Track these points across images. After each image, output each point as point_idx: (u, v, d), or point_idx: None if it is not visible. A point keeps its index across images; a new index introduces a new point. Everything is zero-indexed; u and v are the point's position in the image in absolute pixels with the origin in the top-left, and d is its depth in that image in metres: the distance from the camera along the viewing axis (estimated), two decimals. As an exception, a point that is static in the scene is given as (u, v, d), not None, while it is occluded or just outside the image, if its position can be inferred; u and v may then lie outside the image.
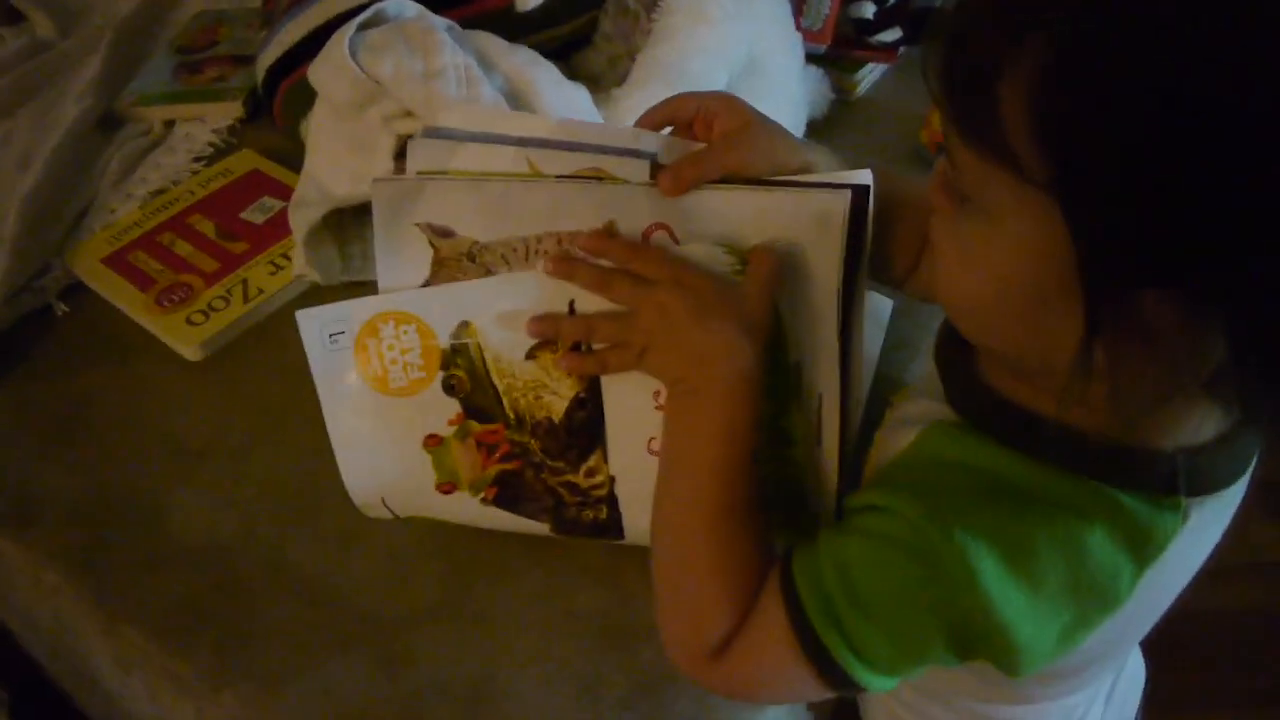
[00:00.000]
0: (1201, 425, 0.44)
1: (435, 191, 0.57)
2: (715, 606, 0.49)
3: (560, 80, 0.83)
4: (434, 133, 0.60)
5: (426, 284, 0.58)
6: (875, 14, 0.97)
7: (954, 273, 0.45)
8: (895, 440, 0.52)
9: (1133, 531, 0.43)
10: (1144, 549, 0.43)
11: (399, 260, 0.58)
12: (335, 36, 0.80)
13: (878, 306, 0.72)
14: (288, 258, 0.83)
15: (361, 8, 0.86)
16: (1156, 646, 0.72)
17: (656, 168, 0.55)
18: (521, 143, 0.56)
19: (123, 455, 0.72)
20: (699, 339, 0.50)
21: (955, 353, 0.50)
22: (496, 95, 0.78)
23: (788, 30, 0.85)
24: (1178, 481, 0.43)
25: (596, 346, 0.55)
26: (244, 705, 0.60)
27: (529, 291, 0.56)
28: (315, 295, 0.82)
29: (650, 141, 0.56)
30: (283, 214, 0.86)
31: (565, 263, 0.54)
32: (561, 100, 0.81)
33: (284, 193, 0.88)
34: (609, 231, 0.54)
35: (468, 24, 0.87)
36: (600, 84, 0.87)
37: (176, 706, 0.63)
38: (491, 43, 0.83)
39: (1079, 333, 0.38)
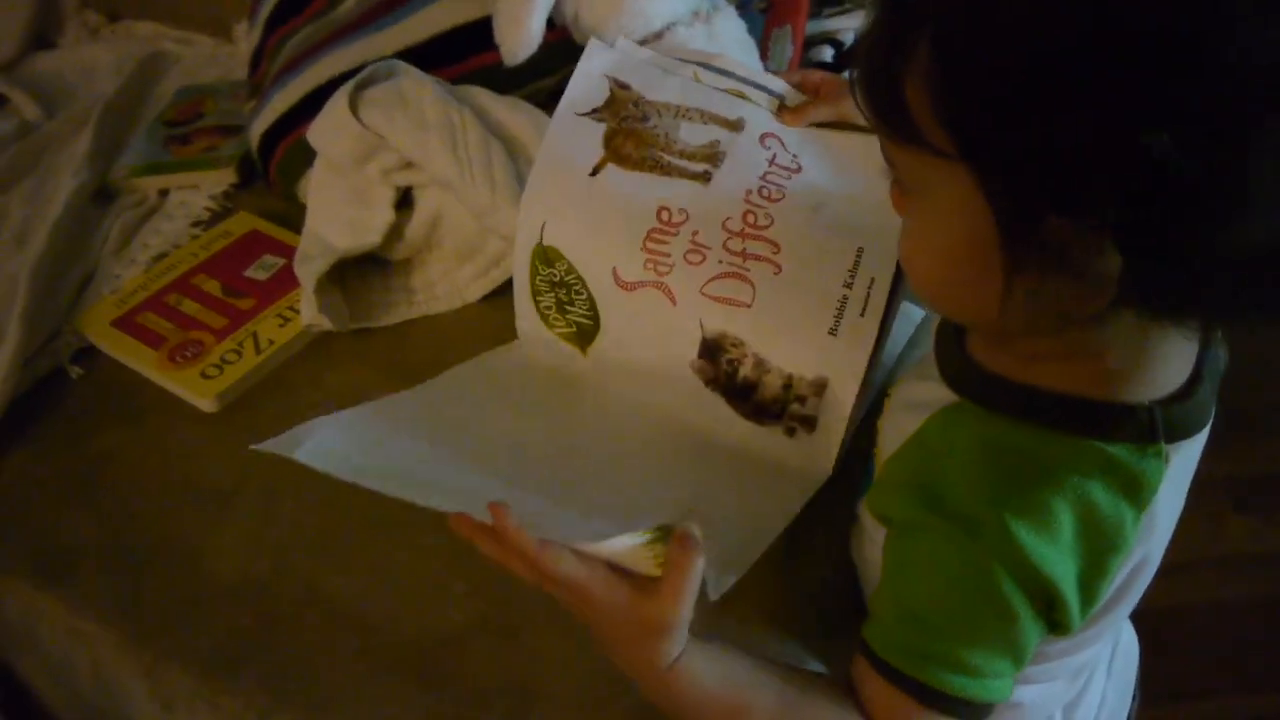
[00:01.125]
0: (1167, 379, 0.50)
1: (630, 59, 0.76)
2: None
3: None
4: (613, 46, 0.77)
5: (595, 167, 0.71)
6: (834, 56, 1.04)
7: (911, 256, 0.51)
8: (900, 426, 0.56)
9: (1127, 479, 0.48)
10: (1139, 494, 0.48)
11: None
12: (336, 96, 0.85)
13: (909, 310, 0.78)
14: (295, 310, 0.86)
15: (349, 73, 0.92)
16: (1141, 642, 0.76)
17: (781, 107, 0.74)
18: (699, 64, 0.75)
19: (149, 505, 0.74)
20: (613, 656, 0.53)
21: (947, 334, 0.55)
22: (492, 139, 0.83)
23: (756, 72, 0.92)
24: (1158, 430, 0.48)
25: None
26: (293, 732, 0.61)
27: None
28: (324, 343, 0.85)
29: (780, 85, 0.75)
30: (285, 270, 0.90)
31: (473, 530, 0.52)
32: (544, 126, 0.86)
33: (284, 250, 0.92)
34: (505, 532, 0.50)
35: (460, 80, 0.92)
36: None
37: (222, 741, 0.65)
38: (483, 95, 0.89)
39: (1003, 274, 0.44)
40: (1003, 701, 0.51)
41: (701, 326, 0.67)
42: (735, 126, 0.73)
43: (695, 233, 0.68)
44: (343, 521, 0.71)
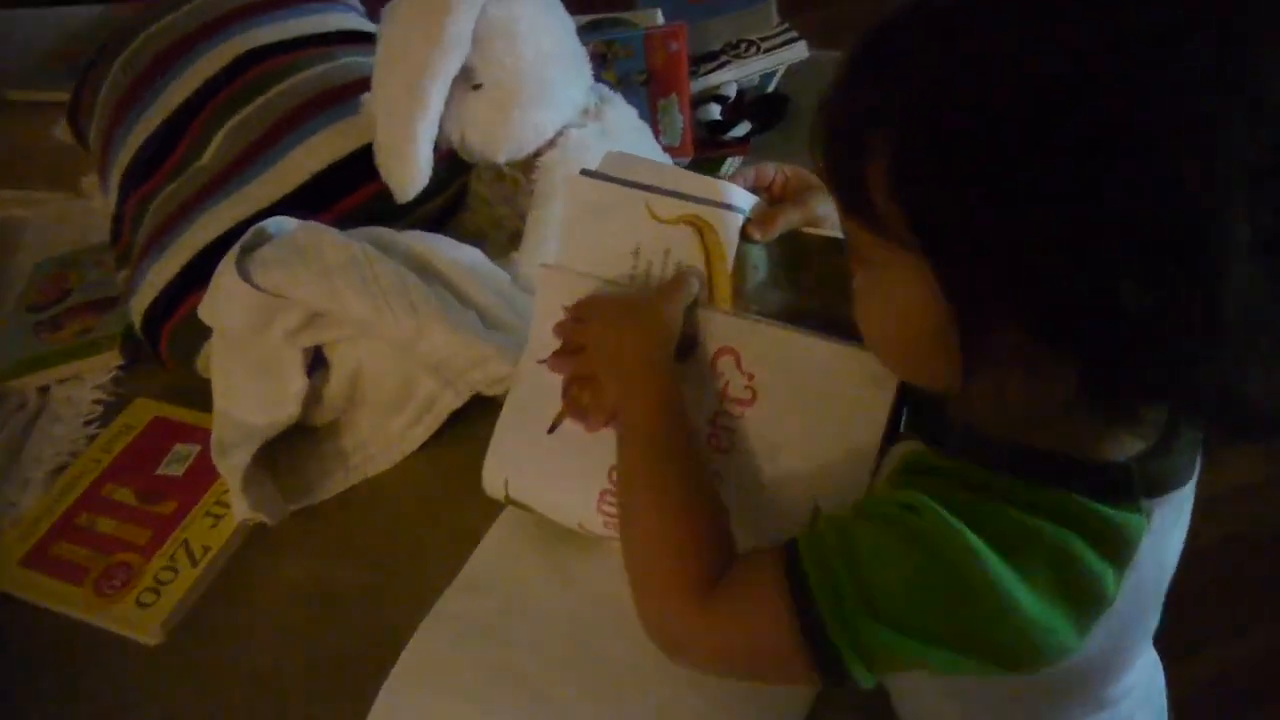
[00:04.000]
0: (1142, 436, 0.48)
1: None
2: (695, 541, 0.54)
3: (455, 244, 0.83)
4: (587, 173, 0.67)
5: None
6: (722, 112, 1.02)
7: (869, 323, 0.51)
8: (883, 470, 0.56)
9: (1106, 534, 0.47)
10: (1120, 550, 0.47)
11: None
12: (222, 265, 0.78)
13: None
14: (224, 504, 0.80)
15: (227, 234, 0.85)
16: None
17: (747, 223, 0.64)
18: (651, 189, 0.65)
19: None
20: (617, 338, 0.61)
21: (921, 393, 0.55)
22: (400, 268, 0.78)
23: (656, 155, 0.88)
24: (1134, 486, 0.47)
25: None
26: None
27: None
28: (265, 533, 0.79)
29: (744, 200, 0.65)
30: (202, 458, 0.83)
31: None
32: (465, 257, 0.81)
33: (195, 435, 0.85)
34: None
35: (349, 215, 0.87)
36: (489, 242, 0.87)
37: None
38: (378, 231, 0.83)
39: (962, 368, 0.44)
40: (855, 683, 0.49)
41: None
42: (690, 341, 0.65)
43: None
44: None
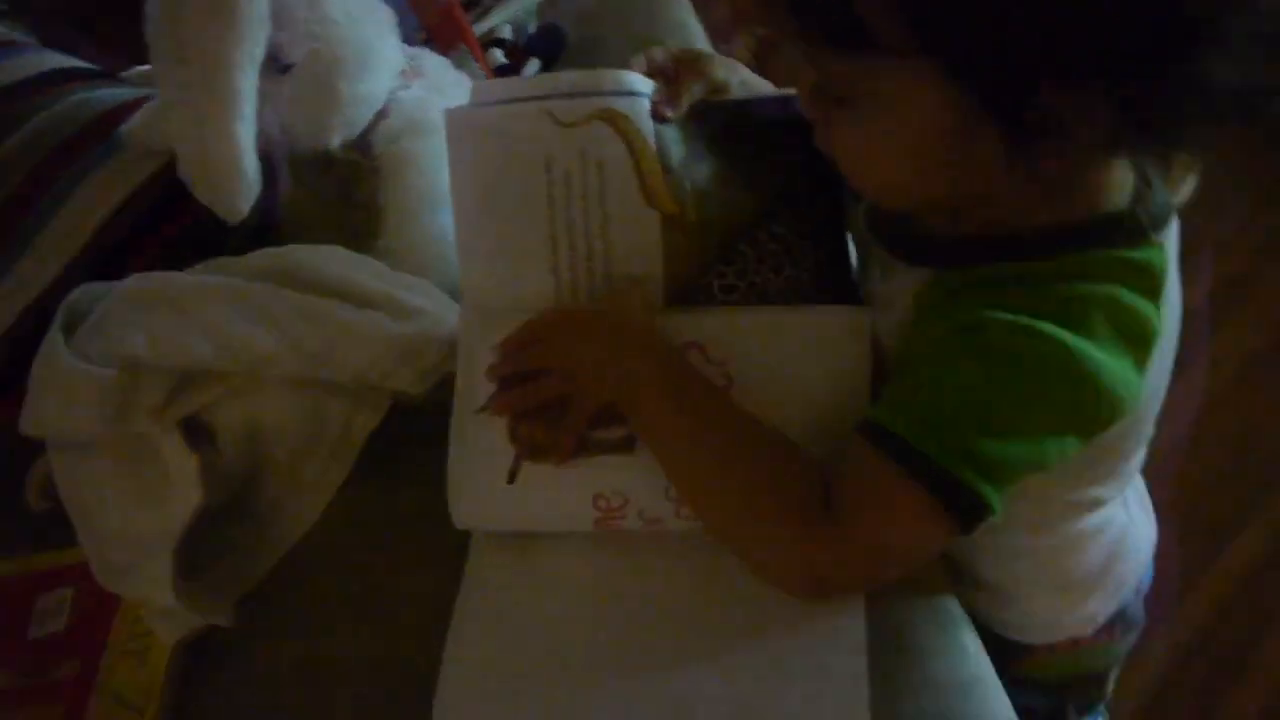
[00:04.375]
0: (1126, 184, 0.52)
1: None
2: (783, 474, 0.53)
3: (311, 248, 0.73)
4: (462, 107, 0.61)
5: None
6: (506, 55, 0.96)
7: (867, 167, 0.51)
8: (892, 320, 0.56)
9: (1140, 275, 0.50)
10: (1155, 285, 0.50)
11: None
12: (41, 359, 0.64)
13: None
14: (141, 632, 0.65)
15: (25, 320, 0.69)
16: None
17: (654, 105, 0.61)
18: (543, 98, 0.60)
19: None
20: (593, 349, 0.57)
21: (898, 229, 0.55)
22: (277, 289, 0.66)
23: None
24: (1146, 224, 0.51)
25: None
26: None
27: None
28: (213, 634, 0.65)
29: (644, 84, 0.62)
30: (81, 596, 0.67)
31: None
32: (334, 258, 0.71)
33: (61, 576, 0.68)
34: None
35: (160, 258, 0.73)
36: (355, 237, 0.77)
37: None
38: (219, 262, 0.71)
39: (999, 151, 0.46)
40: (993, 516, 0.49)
41: None
42: None
43: (641, 511, 0.59)
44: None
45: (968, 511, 0.48)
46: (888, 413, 0.50)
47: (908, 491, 0.48)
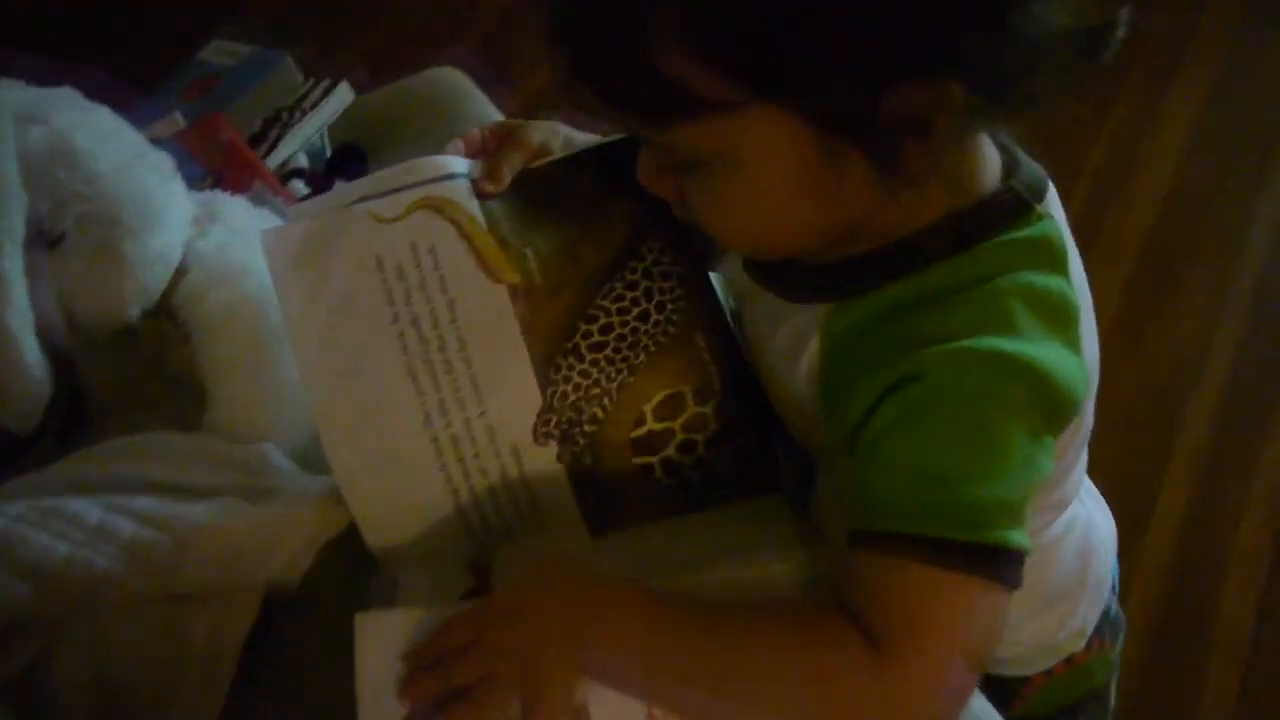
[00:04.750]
0: (994, 162, 0.50)
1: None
2: (809, 639, 0.45)
3: (122, 443, 0.62)
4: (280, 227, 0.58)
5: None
6: (308, 184, 0.89)
7: (740, 227, 0.48)
8: (794, 369, 0.51)
9: (1039, 251, 0.48)
10: (1056, 257, 0.48)
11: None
12: None
13: None
14: None
15: None
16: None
17: (474, 184, 0.59)
18: (362, 199, 0.58)
19: None
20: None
21: (781, 268, 0.51)
22: (102, 500, 0.56)
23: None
24: (1025, 197, 0.49)
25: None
26: None
27: None
28: None
29: (461, 164, 0.60)
30: None
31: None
32: (161, 445, 0.61)
33: None
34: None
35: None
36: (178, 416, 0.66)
37: None
38: (17, 482, 0.59)
39: (867, 169, 0.43)
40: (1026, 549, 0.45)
41: None
42: None
43: None
44: None
45: (1008, 566, 0.44)
46: (881, 516, 0.45)
47: (954, 587, 0.43)
